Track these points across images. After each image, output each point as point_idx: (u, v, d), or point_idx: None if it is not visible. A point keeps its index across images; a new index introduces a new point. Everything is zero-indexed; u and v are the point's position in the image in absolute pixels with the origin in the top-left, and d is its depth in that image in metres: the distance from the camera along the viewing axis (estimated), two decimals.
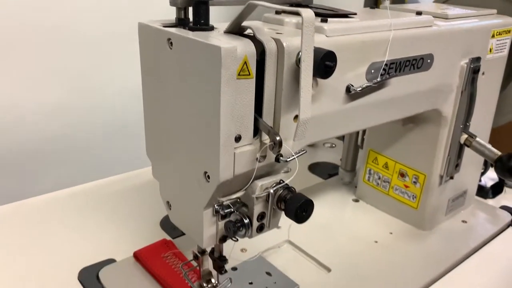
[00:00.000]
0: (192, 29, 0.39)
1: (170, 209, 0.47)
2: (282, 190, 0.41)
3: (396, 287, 0.54)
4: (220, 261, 0.46)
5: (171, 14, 0.41)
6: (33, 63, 0.77)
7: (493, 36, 0.59)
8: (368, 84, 0.44)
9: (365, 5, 0.82)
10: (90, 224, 0.64)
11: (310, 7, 0.48)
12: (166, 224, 0.64)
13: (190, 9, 0.41)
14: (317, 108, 0.42)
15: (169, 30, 0.39)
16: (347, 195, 0.74)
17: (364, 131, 0.70)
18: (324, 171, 0.83)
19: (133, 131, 0.87)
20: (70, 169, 0.84)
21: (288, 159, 0.41)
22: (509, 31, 0.62)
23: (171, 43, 0.39)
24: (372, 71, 0.45)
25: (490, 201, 0.76)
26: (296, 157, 0.41)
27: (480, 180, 0.79)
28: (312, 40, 0.34)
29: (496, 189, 0.78)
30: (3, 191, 0.78)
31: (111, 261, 0.56)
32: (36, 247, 0.59)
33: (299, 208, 0.39)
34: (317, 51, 0.37)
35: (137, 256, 0.56)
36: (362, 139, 0.70)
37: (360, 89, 0.44)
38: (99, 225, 0.64)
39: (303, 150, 0.42)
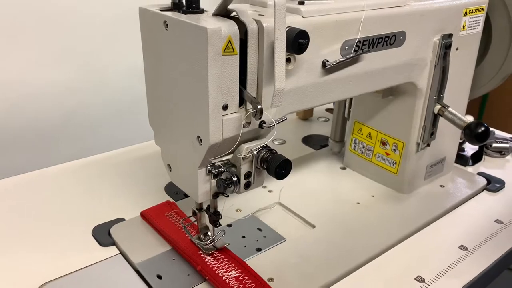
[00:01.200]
0: (185, 12, 0.45)
1: (171, 170, 0.54)
2: (264, 152, 0.48)
3: (373, 242, 0.60)
4: (214, 216, 0.53)
5: None
6: (44, 45, 0.83)
7: (465, 14, 0.64)
8: (342, 59, 0.50)
9: None
10: (102, 189, 0.71)
11: None
12: (169, 189, 0.71)
13: None
14: (295, 81, 0.48)
15: (165, 14, 0.45)
16: (336, 164, 0.80)
17: (350, 105, 0.75)
18: (316, 142, 0.90)
19: (137, 107, 0.94)
20: (80, 142, 0.91)
21: (269, 126, 0.47)
22: (482, 9, 0.67)
23: (167, 25, 0.45)
24: (346, 47, 0.51)
25: (469, 168, 0.82)
26: (276, 123, 0.47)
27: (463, 150, 0.85)
28: (284, 21, 0.40)
29: (476, 157, 0.84)
30: (21, 162, 0.85)
31: (121, 220, 0.64)
32: (54, 209, 0.66)
33: (278, 167, 0.46)
34: (291, 30, 0.43)
35: (144, 215, 0.63)
36: (349, 112, 0.76)
37: (334, 63, 0.50)
38: (110, 190, 0.71)
39: (284, 118, 0.49)
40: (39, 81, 0.84)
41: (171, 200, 0.67)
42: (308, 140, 0.91)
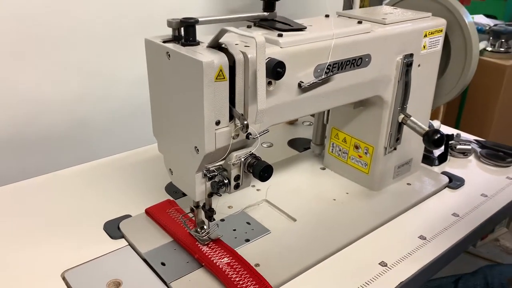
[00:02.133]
0: (183, 44, 0.55)
1: (172, 174, 0.64)
2: (250, 159, 0.57)
3: (346, 233, 0.70)
4: (209, 212, 0.63)
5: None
6: (56, 59, 0.92)
7: (425, 35, 0.74)
8: (314, 81, 0.60)
9: (344, 7, 0.97)
10: (110, 189, 0.81)
11: (274, 21, 0.63)
12: (169, 188, 0.81)
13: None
14: (275, 99, 0.58)
15: (167, 46, 0.55)
16: (316, 164, 0.90)
17: (328, 113, 0.85)
18: (300, 145, 0.99)
19: (140, 115, 1.03)
20: (89, 147, 1.00)
21: (254, 137, 0.57)
22: (441, 30, 0.77)
23: (169, 55, 0.55)
24: (318, 70, 0.61)
25: (435, 168, 0.92)
26: (260, 135, 0.57)
27: (431, 152, 0.95)
28: (263, 56, 0.50)
29: (442, 158, 0.94)
30: (36, 165, 0.95)
31: (128, 216, 0.73)
32: (70, 207, 0.76)
33: (261, 171, 0.56)
34: (271, 61, 0.53)
35: (148, 211, 0.73)
36: (327, 119, 0.86)
37: (308, 84, 0.60)
38: (117, 190, 0.81)
39: (266, 130, 0.58)
40: (52, 91, 0.93)
41: (171, 198, 0.77)
42: (293, 143, 1.00)
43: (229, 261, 0.62)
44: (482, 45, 1.83)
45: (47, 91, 0.92)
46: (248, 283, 0.58)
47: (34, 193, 0.79)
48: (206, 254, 0.63)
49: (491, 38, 1.83)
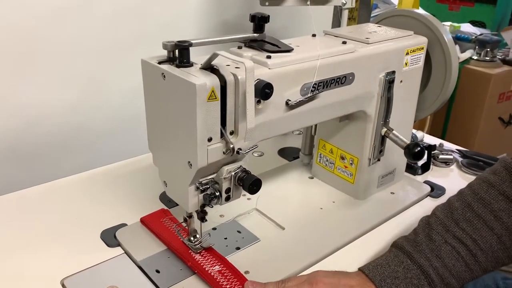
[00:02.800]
0: (178, 66, 0.58)
1: (166, 186, 0.67)
2: (240, 173, 0.61)
3: (331, 240, 0.74)
4: (201, 213, 0.66)
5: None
6: (53, 70, 0.95)
7: (407, 53, 0.79)
8: (301, 99, 0.64)
9: (333, 22, 1.01)
10: (106, 198, 0.84)
11: (263, 41, 0.67)
12: (163, 198, 0.84)
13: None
14: (264, 117, 0.62)
15: (162, 67, 0.58)
16: (305, 174, 0.94)
17: (315, 125, 0.89)
18: (290, 154, 1.03)
19: (136, 123, 1.07)
20: (85, 157, 1.03)
21: (244, 152, 0.61)
22: (422, 48, 0.81)
23: (164, 76, 0.58)
24: (305, 89, 0.65)
25: (418, 177, 0.96)
26: (249, 151, 0.60)
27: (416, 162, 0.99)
28: (252, 80, 0.54)
29: (424, 168, 0.98)
30: (32, 175, 0.98)
31: (124, 225, 0.76)
32: (67, 216, 0.79)
33: (251, 185, 0.59)
34: (260, 82, 0.57)
35: (143, 220, 0.76)
36: (315, 130, 0.90)
37: (295, 102, 0.64)
38: (113, 199, 0.84)
39: (255, 146, 0.62)
40: (49, 102, 0.96)
41: (166, 207, 0.80)
42: (283, 152, 1.04)
43: (220, 268, 0.65)
44: (468, 54, 1.89)
45: (44, 100, 0.95)
46: None
47: (33, 203, 0.82)
48: (199, 262, 0.66)
49: (477, 47, 1.89)
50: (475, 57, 1.88)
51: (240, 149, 0.60)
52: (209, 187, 0.62)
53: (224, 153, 0.60)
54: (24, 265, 0.68)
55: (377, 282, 0.59)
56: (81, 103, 1.00)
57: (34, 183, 0.87)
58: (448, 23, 2.15)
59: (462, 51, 1.92)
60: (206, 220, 0.66)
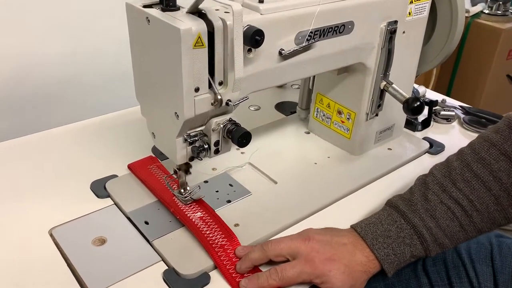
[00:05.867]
0: (163, 9, 0.55)
1: (155, 137, 0.65)
2: (230, 125, 0.59)
3: (323, 196, 0.73)
4: (185, 166, 0.65)
5: None
6: (42, 19, 0.92)
7: (411, 2, 0.74)
8: (295, 48, 0.61)
9: None
10: (97, 149, 0.83)
11: None
12: (155, 150, 0.82)
13: None
14: (255, 67, 0.59)
15: (147, 11, 0.55)
16: (301, 128, 0.92)
17: (313, 78, 0.86)
18: (287, 108, 1.01)
19: (130, 75, 1.04)
20: (78, 107, 1.01)
21: (234, 104, 0.58)
22: None
23: (149, 20, 0.55)
24: (300, 37, 0.61)
25: (418, 134, 0.94)
26: (239, 103, 0.58)
27: (416, 117, 0.97)
28: (240, 26, 0.51)
29: (425, 124, 0.95)
30: (23, 125, 0.96)
31: (114, 176, 0.75)
32: (57, 166, 0.78)
33: (240, 137, 0.57)
34: (250, 28, 0.54)
35: (130, 167, 0.75)
36: (313, 84, 0.87)
37: (289, 52, 0.60)
38: (104, 150, 0.82)
39: (246, 97, 0.59)
40: (38, 52, 0.93)
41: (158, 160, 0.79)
42: (280, 107, 1.02)
43: (201, 215, 0.65)
44: (479, 7, 1.81)
45: (34, 50, 0.92)
46: (217, 236, 0.62)
47: (22, 153, 0.81)
48: (181, 208, 0.66)
49: (488, 0, 1.80)
50: (486, 11, 1.80)
51: (230, 100, 0.58)
52: (198, 140, 0.60)
53: (212, 104, 0.57)
54: (12, 214, 0.67)
55: (368, 241, 0.58)
56: (71, 52, 0.97)
57: (24, 134, 0.85)
58: None
59: (474, 4, 1.83)
60: (190, 173, 0.65)
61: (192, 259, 0.60)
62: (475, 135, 0.94)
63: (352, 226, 0.61)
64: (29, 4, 0.87)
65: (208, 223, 0.64)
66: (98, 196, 0.71)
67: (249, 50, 0.57)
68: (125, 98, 1.00)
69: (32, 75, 0.94)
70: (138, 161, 0.77)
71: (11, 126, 0.94)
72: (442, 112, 0.98)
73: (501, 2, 1.76)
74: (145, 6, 0.56)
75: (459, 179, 0.60)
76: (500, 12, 1.76)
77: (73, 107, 1.01)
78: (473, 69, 1.79)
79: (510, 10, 1.78)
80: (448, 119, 0.98)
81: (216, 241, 0.61)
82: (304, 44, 0.61)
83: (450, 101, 1.06)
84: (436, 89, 1.77)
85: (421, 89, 1.01)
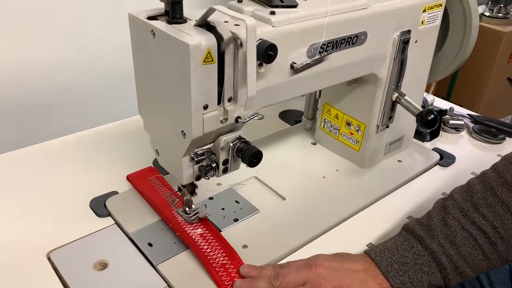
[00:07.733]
0: (169, 22, 0.51)
1: (159, 155, 0.62)
2: (240, 143, 0.56)
3: (334, 212, 0.70)
4: (191, 187, 0.62)
5: None
6: (38, 24, 0.87)
7: (424, 10, 0.71)
8: (307, 62, 0.57)
9: None
10: (96, 163, 0.79)
11: None
12: (157, 163, 0.79)
13: None
14: (266, 81, 0.56)
15: (152, 23, 0.51)
16: (307, 139, 0.89)
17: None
18: (292, 118, 0.97)
19: (128, 82, 1.00)
20: (75, 117, 0.97)
21: (244, 121, 0.55)
22: (440, 5, 0.73)
23: (154, 33, 0.51)
24: (312, 50, 0.58)
25: (427, 144, 0.91)
26: (250, 119, 0.55)
27: None
28: (254, 40, 0.47)
29: (434, 134, 0.93)
30: (18, 136, 0.92)
31: (114, 192, 0.72)
32: (53, 182, 0.74)
33: (251, 157, 0.54)
34: (263, 42, 0.50)
35: (129, 178, 0.72)
36: (320, 93, 0.84)
37: (301, 66, 0.57)
38: (103, 164, 0.79)
39: (256, 114, 0.56)
40: (34, 59, 0.89)
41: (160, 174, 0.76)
42: (284, 115, 0.98)
43: (202, 232, 0.61)
44: (480, 9, 1.79)
45: (29, 58, 0.88)
46: (218, 254, 0.59)
47: (17, 167, 0.77)
48: (181, 223, 0.62)
49: (489, 2, 1.78)
50: (487, 14, 1.78)
51: (239, 117, 0.55)
52: (205, 158, 0.56)
53: (221, 122, 0.54)
54: (8, 237, 0.63)
55: (383, 268, 0.54)
56: (68, 59, 0.93)
57: (18, 145, 0.81)
58: None
59: None
60: (196, 194, 0.61)
61: (199, 285, 0.57)
62: (485, 145, 0.92)
63: (365, 252, 0.58)
64: (27, 10, 0.83)
65: (209, 241, 0.60)
66: (98, 215, 0.68)
67: (260, 65, 0.54)
68: (122, 106, 0.97)
69: (25, 84, 0.90)
70: (137, 172, 0.74)
71: (3, 136, 0.90)
72: (451, 122, 0.95)
73: (502, 5, 1.74)
74: (149, 18, 0.53)
75: (482, 203, 0.56)
76: (501, 14, 1.75)
77: (72, 115, 0.98)
78: (474, 72, 1.77)
79: (511, 13, 1.76)
80: (457, 129, 0.95)
81: (216, 259, 0.58)
82: (316, 57, 0.58)
83: (458, 109, 1.04)
84: (436, 92, 1.75)
85: (429, 97, 0.98)
